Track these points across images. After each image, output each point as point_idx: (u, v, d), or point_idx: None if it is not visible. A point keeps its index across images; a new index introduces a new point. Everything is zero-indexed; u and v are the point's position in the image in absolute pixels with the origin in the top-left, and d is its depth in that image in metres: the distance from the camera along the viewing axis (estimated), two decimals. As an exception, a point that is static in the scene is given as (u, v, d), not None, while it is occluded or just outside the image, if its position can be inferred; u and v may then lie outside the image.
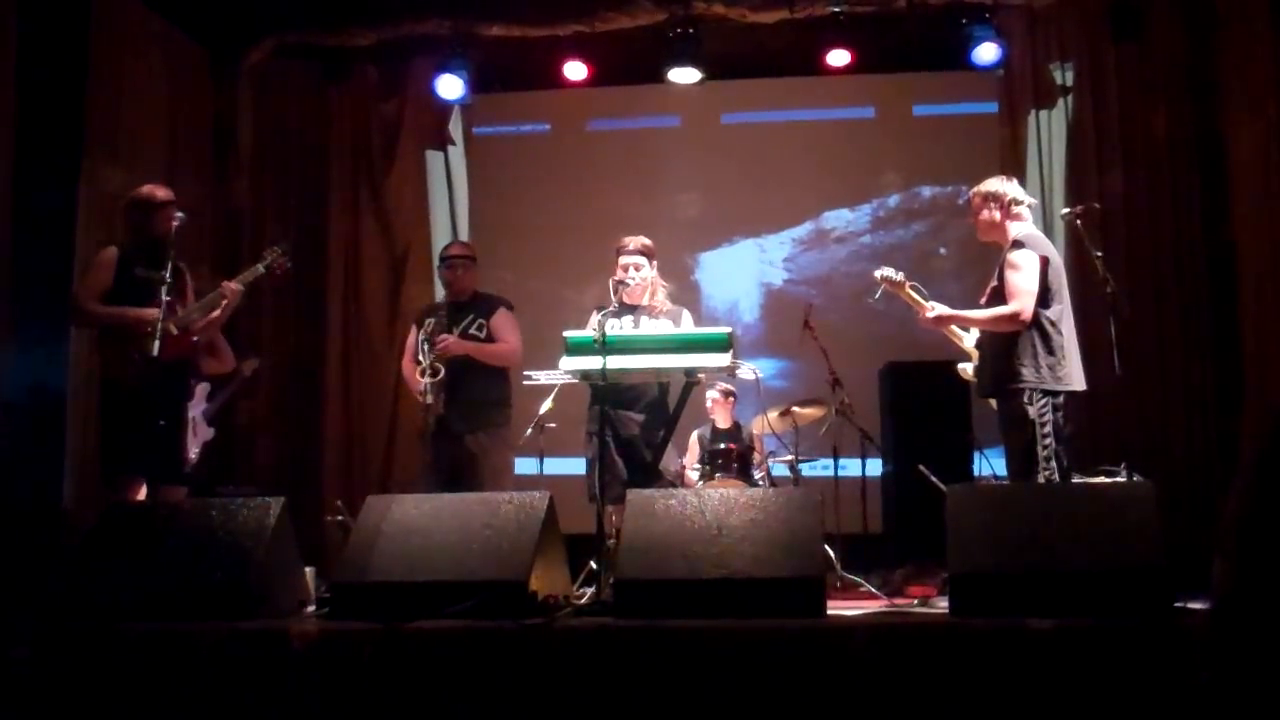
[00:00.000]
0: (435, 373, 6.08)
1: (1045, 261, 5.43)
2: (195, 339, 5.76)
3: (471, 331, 6.34)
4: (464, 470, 6.20)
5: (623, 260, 6.04)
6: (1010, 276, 5.42)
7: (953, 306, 5.80)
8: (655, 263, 6.12)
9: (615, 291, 5.71)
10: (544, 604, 4.04)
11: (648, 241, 6.13)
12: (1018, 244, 5.48)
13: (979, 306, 5.65)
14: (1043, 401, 5.31)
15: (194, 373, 6.18)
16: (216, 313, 5.81)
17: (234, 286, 5.78)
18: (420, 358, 6.18)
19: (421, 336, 6.28)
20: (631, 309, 5.96)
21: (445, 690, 3.68)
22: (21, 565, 5.80)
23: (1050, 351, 5.36)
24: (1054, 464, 5.27)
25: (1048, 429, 5.29)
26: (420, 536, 4.26)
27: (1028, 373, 5.34)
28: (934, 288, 5.96)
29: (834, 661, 3.58)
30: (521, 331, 6.54)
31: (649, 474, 5.72)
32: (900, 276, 5.84)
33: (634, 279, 5.97)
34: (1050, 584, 3.86)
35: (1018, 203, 5.65)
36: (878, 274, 5.90)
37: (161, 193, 5.79)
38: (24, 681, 3.83)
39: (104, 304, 5.59)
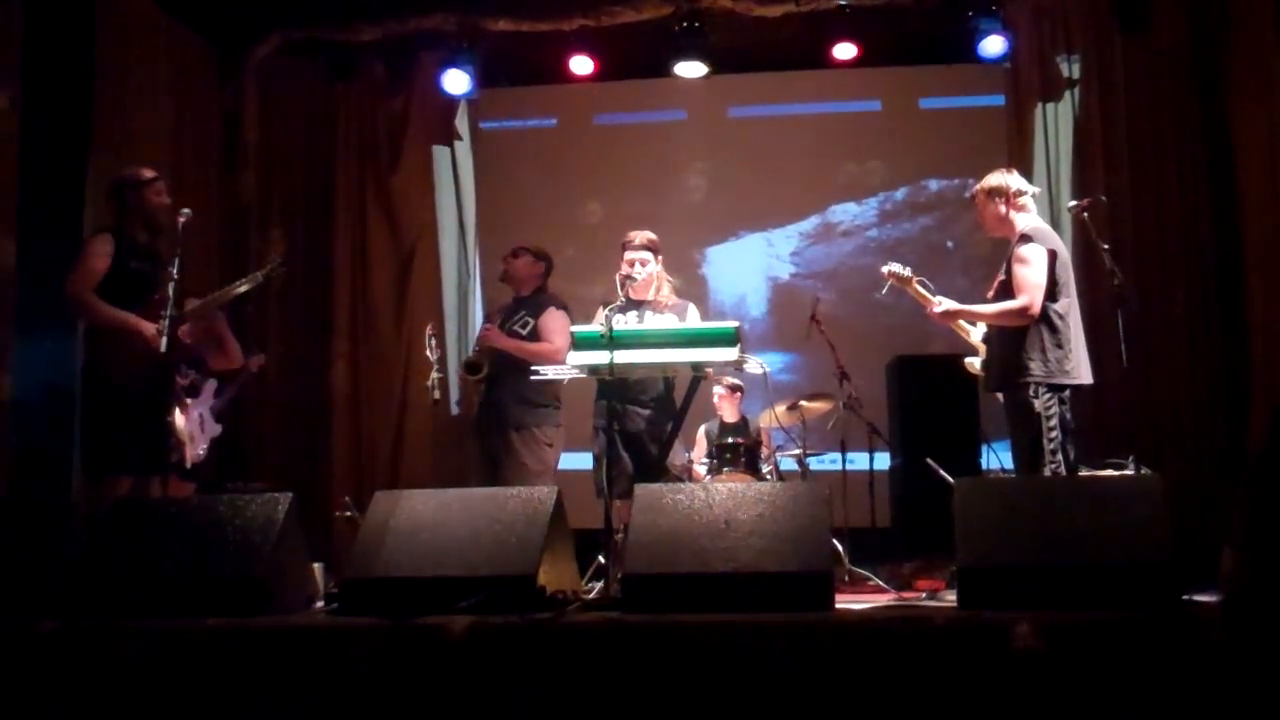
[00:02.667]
0: (473, 368, 6.13)
1: (1053, 255, 5.42)
2: (187, 340, 5.73)
3: (515, 328, 6.34)
4: (500, 466, 6.23)
5: (628, 255, 6.03)
6: (1018, 270, 5.41)
7: (961, 300, 5.79)
8: (661, 257, 6.12)
9: (622, 286, 5.71)
10: (552, 599, 4.03)
11: (653, 236, 6.12)
12: (1025, 238, 5.46)
13: (987, 300, 5.64)
14: (1049, 395, 5.31)
15: (199, 367, 6.17)
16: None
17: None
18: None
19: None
20: (638, 304, 5.96)
21: (453, 685, 3.69)
22: (31, 561, 5.82)
23: (1058, 345, 5.36)
24: (1060, 457, 5.27)
25: (1054, 422, 5.28)
26: (428, 532, 4.26)
27: (1035, 366, 5.34)
28: (941, 281, 5.95)
29: (842, 655, 3.57)
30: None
31: (655, 469, 5.72)
32: (907, 272, 5.83)
33: (639, 274, 5.97)
34: (1058, 577, 3.85)
35: (1021, 194, 5.64)
36: (885, 269, 5.90)
37: (147, 171, 5.78)
38: (32, 677, 3.84)
39: (99, 295, 5.54)
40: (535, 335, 6.33)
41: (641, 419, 5.86)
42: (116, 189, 5.76)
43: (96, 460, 5.51)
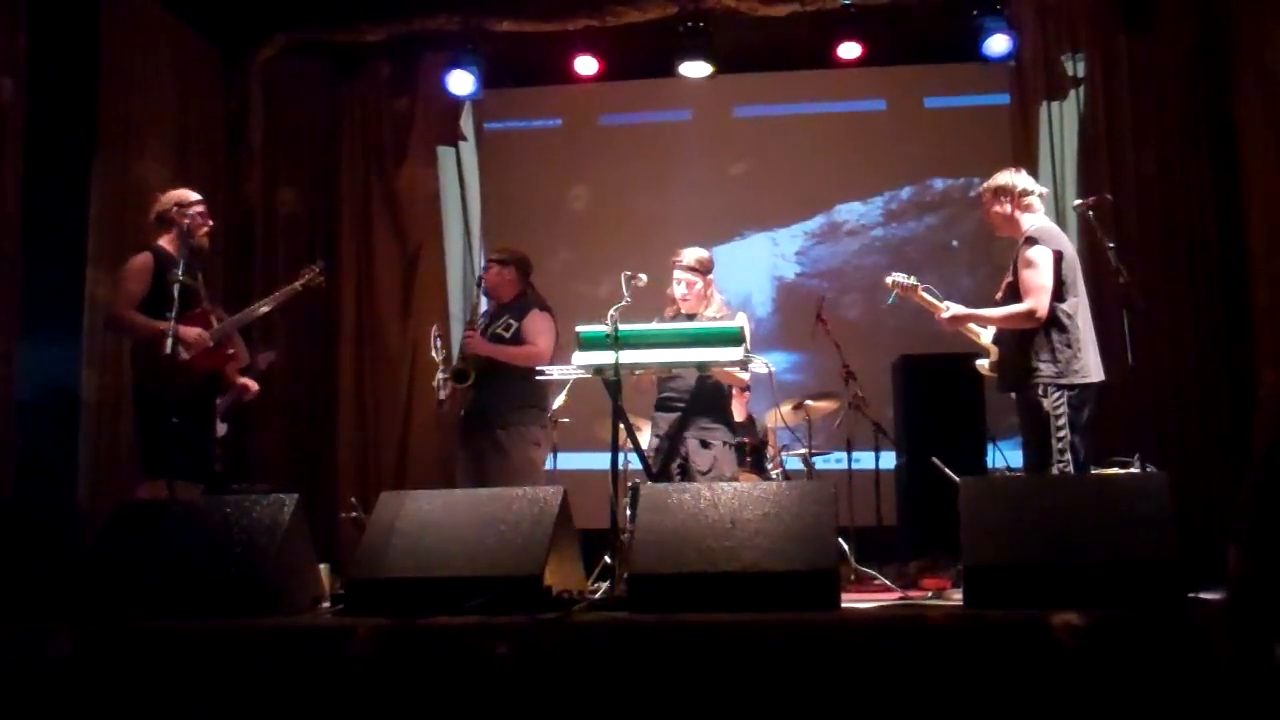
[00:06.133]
0: (461, 375, 6.14)
1: (1059, 256, 5.41)
2: (230, 350, 5.82)
3: (498, 331, 6.33)
4: (486, 464, 6.23)
5: (676, 274, 6.05)
6: (1025, 274, 5.40)
7: (967, 299, 5.79)
8: (711, 276, 6.11)
9: (626, 286, 5.70)
10: (558, 599, 4.04)
11: (703, 254, 6.10)
12: (1031, 240, 5.46)
13: (994, 301, 5.64)
14: (1058, 394, 5.30)
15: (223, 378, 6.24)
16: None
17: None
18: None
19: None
20: (689, 318, 5.98)
21: (460, 686, 3.69)
22: (37, 564, 5.82)
23: (1068, 345, 5.35)
24: (1069, 456, 5.26)
25: (1062, 421, 5.28)
26: (434, 532, 4.26)
27: (1045, 367, 5.33)
28: (947, 280, 5.96)
29: (848, 655, 3.57)
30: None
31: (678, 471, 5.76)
32: (912, 280, 5.81)
33: (685, 293, 5.99)
34: (1064, 576, 3.84)
35: (1028, 193, 5.62)
36: (889, 279, 5.88)
37: (194, 193, 5.89)
38: (40, 681, 3.84)
39: (145, 312, 5.59)
40: (519, 337, 6.32)
41: (666, 422, 5.89)
42: (173, 209, 5.83)
43: (151, 461, 5.63)
